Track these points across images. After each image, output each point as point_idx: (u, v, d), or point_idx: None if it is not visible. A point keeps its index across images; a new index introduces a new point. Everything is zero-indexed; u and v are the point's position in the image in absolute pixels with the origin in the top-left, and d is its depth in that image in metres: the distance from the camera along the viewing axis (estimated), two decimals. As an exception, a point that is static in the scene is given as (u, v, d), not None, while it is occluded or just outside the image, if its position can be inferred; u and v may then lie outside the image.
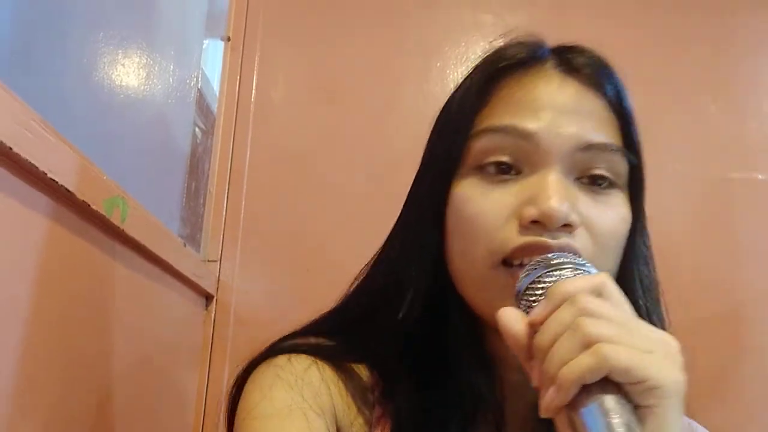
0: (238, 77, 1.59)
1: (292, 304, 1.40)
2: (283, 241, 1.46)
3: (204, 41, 1.44)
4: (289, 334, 0.68)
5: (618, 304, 0.45)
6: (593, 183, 0.59)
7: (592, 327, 0.42)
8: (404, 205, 0.70)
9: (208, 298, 1.38)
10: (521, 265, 0.54)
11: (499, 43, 0.67)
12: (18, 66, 0.70)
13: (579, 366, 0.41)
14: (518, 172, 0.58)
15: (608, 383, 0.41)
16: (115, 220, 0.77)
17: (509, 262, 0.56)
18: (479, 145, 0.60)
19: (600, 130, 0.60)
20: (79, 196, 0.68)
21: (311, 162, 1.53)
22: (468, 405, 0.59)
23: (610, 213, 0.59)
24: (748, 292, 1.55)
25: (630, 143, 0.63)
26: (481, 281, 0.58)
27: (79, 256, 0.73)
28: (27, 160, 0.58)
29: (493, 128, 0.59)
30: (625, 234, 0.60)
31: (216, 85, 1.54)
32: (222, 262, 1.45)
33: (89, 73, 0.86)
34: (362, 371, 0.64)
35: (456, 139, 0.61)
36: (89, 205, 0.70)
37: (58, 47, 0.79)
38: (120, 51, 0.95)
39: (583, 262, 0.52)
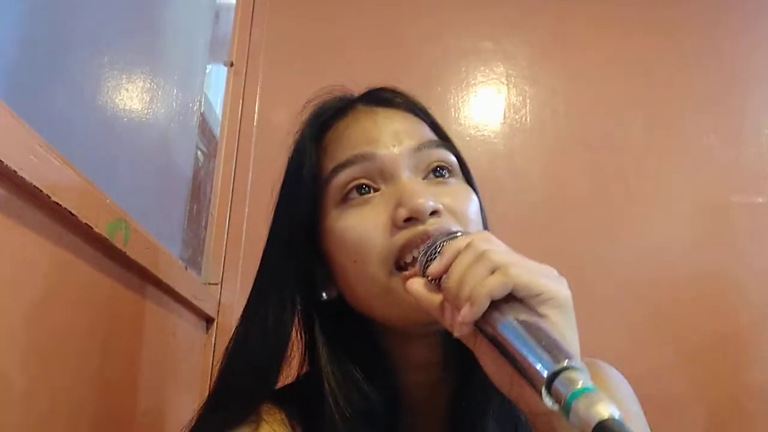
0: (241, 102, 1.61)
1: (293, 327, 1.39)
2: (284, 264, 1.46)
3: (207, 66, 1.46)
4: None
5: (509, 249, 0.54)
6: (437, 176, 0.68)
7: (498, 255, 0.51)
8: (264, 267, 0.74)
9: (208, 321, 1.38)
10: (413, 261, 0.61)
11: (316, 101, 0.77)
12: (23, 90, 0.71)
13: (490, 282, 0.49)
14: (377, 190, 0.66)
15: (510, 299, 0.50)
16: (118, 242, 0.78)
17: (401, 264, 0.63)
18: (334, 183, 0.67)
19: (420, 134, 0.70)
20: (82, 218, 0.68)
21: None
22: (385, 410, 0.65)
23: (461, 196, 0.67)
24: (750, 316, 1.55)
25: (446, 140, 0.73)
26: (384, 292, 0.63)
27: (81, 279, 0.73)
28: (31, 183, 0.58)
29: (340, 165, 0.67)
30: (477, 211, 0.69)
31: (218, 109, 1.55)
32: (223, 285, 1.45)
33: (93, 97, 0.87)
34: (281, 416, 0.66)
35: (309, 190, 0.69)
36: (92, 228, 0.71)
37: (63, 72, 0.80)
38: (124, 75, 0.96)
39: (461, 230, 0.61)
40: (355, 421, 0.63)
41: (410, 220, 0.62)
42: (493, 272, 0.50)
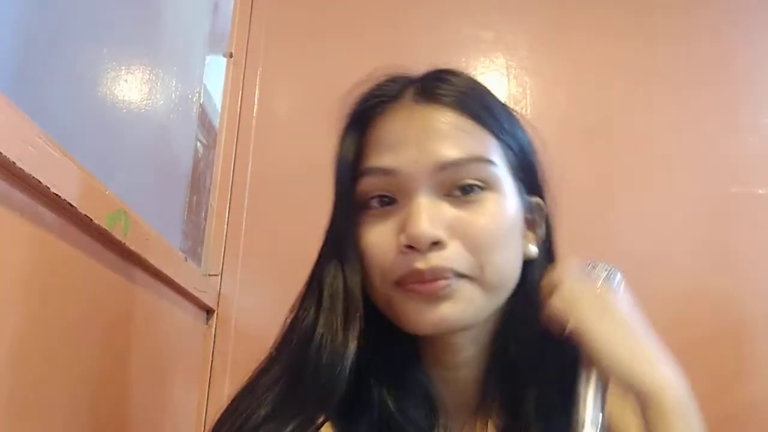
0: (240, 92, 1.60)
1: (293, 318, 1.39)
2: (285, 255, 1.46)
3: (206, 57, 1.46)
4: (227, 414, 0.65)
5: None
6: (464, 193, 0.63)
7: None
8: (321, 250, 0.72)
9: (209, 312, 1.38)
10: (412, 284, 0.61)
11: (369, 81, 0.71)
12: (22, 81, 0.71)
13: None
14: (396, 201, 0.64)
15: None
16: (117, 233, 0.78)
17: (402, 284, 0.63)
18: (360, 186, 0.66)
19: (455, 146, 0.63)
20: (82, 210, 0.68)
21: (313, 176, 1.53)
22: (422, 409, 0.65)
23: (480, 216, 0.63)
24: (751, 307, 1.55)
25: (506, 144, 0.68)
26: (388, 301, 0.64)
27: (80, 270, 0.73)
28: (30, 174, 0.58)
29: (364, 171, 0.66)
30: (504, 228, 0.65)
31: (218, 100, 1.55)
32: (223, 276, 1.45)
33: (93, 89, 0.87)
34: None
35: (343, 190, 0.68)
36: (91, 219, 0.71)
37: (62, 63, 0.79)
38: (123, 67, 0.96)
39: (457, 267, 0.62)
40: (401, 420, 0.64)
41: (410, 248, 0.61)
42: None
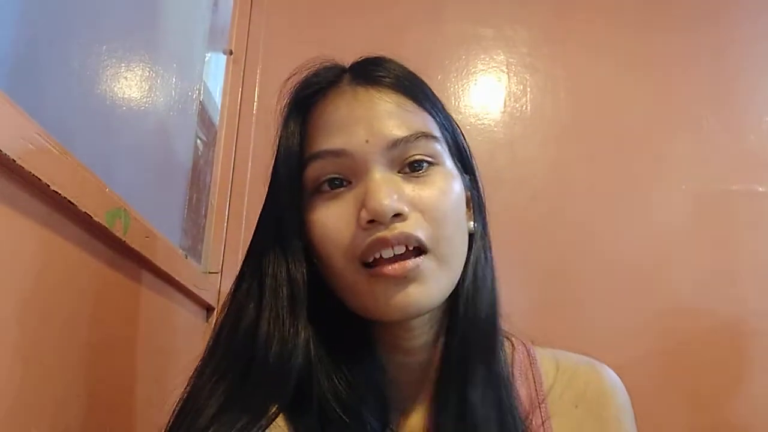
0: (240, 90, 1.60)
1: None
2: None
3: (206, 54, 1.45)
4: (175, 419, 0.65)
5: None
6: (414, 169, 0.65)
7: None
8: (255, 241, 0.72)
9: (209, 310, 1.38)
10: (379, 260, 0.61)
11: (304, 72, 0.73)
12: (21, 79, 0.70)
13: None
14: (349, 182, 0.65)
15: None
16: (117, 231, 0.78)
17: (366, 262, 0.62)
18: (309, 172, 0.66)
19: (401, 124, 0.65)
20: (82, 207, 0.68)
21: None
22: (377, 396, 0.65)
23: (434, 190, 0.64)
24: (750, 304, 1.55)
25: (442, 123, 0.70)
26: (352, 286, 0.64)
27: (80, 268, 0.73)
28: (30, 172, 0.58)
29: (312, 155, 0.66)
30: (455, 201, 0.66)
31: (218, 97, 1.55)
32: (223, 273, 1.45)
33: (92, 86, 0.87)
34: (281, 424, 0.63)
35: (288, 176, 0.68)
36: (91, 217, 0.71)
37: (61, 60, 0.79)
38: (123, 64, 0.96)
39: (419, 234, 0.62)
40: (347, 409, 0.63)
41: (373, 222, 0.61)
42: None
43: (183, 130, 1.29)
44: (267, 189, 0.73)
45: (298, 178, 0.67)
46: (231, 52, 1.60)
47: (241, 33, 1.63)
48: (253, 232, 0.73)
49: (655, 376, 1.45)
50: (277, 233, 0.68)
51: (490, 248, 0.72)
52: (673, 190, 1.63)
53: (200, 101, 1.38)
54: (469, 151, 0.74)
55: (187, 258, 1.24)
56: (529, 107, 1.68)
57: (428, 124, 0.68)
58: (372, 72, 0.70)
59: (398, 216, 0.61)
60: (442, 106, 0.72)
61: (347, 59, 0.75)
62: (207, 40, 1.45)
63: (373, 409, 0.64)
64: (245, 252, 0.74)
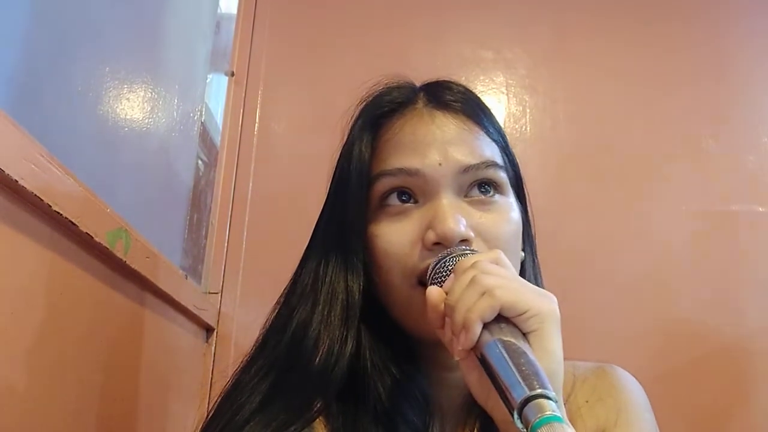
0: (242, 111, 1.61)
1: (293, 336, 1.39)
2: (285, 274, 1.45)
3: (208, 76, 1.46)
4: (215, 413, 0.66)
5: (508, 268, 0.57)
6: (481, 191, 0.67)
7: (487, 279, 0.53)
8: (314, 248, 0.74)
9: (208, 330, 1.37)
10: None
11: (375, 88, 0.75)
12: (25, 100, 0.71)
13: (479, 307, 0.52)
14: (416, 201, 0.67)
15: (501, 320, 0.52)
16: (118, 252, 0.78)
17: (424, 282, 0.63)
18: (377, 188, 0.68)
19: (473, 151, 0.68)
20: (83, 228, 0.69)
21: (313, 195, 1.53)
22: (418, 409, 0.66)
23: (498, 218, 0.67)
24: (753, 324, 1.55)
25: (504, 153, 0.72)
26: (406, 303, 0.65)
27: (81, 288, 0.73)
28: (32, 192, 0.59)
29: (384, 173, 0.67)
30: (515, 231, 0.69)
31: (219, 118, 1.56)
32: (223, 294, 1.45)
33: (94, 107, 0.87)
34: (320, 427, 0.64)
35: (357, 189, 0.69)
36: (92, 237, 0.71)
37: (65, 82, 0.80)
38: (125, 85, 0.96)
39: (472, 248, 0.63)
40: (391, 415, 0.64)
41: (438, 245, 0.62)
42: (483, 295, 0.52)
43: (184, 150, 1.29)
44: (328, 198, 0.75)
45: (365, 191, 0.68)
46: (233, 74, 1.61)
47: (242, 54, 1.65)
48: (310, 236, 0.75)
49: (655, 395, 1.43)
50: (339, 243, 0.70)
51: (540, 274, 0.75)
52: (674, 211, 1.63)
53: (202, 122, 1.39)
54: (523, 181, 0.77)
55: (187, 278, 1.24)
56: (528, 128, 1.69)
57: (496, 153, 0.70)
58: (446, 96, 0.72)
59: (464, 242, 0.63)
60: (504, 135, 0.74)
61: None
62: (209, 61, 1.46)
63: (414, 420, 0.65)
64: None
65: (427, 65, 1.74)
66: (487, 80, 1.73)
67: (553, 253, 1.58)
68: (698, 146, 1.68)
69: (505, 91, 1.72)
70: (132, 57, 1.00)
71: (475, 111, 0.71)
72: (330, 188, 0.75)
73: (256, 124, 1.61)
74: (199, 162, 1.39)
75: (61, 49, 0.79)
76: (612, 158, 1.68)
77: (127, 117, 0.97)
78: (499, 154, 0.71)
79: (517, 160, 0.76)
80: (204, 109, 1.41)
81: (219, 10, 1.56)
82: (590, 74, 1.75)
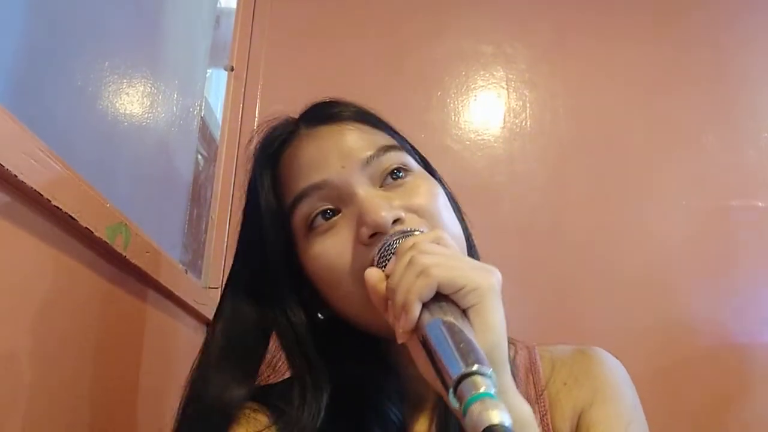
0: (241, 106, 1.61)
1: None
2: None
3: (208, 70, 1.46)
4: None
5: (449, 246, 0.57)
6: (395, 178, 0.68)
7: (424, 258, 0.53)
8: (237, 290, 0.75)
9: (208, 325, 1.37)
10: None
11: (258, 133, 0.76)
12: (24, 95, 0.71)
13: (417, 286, 0.52)
14: (339, 211, 0.67)
15: (441, 299, 0.52)
16: (118, 246, 0.78)
17: None
18: (297, 216, 0.68)
19: (367, 144, 0.69)
20: (83, 222, 0.69)
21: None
22: (394, 403, 0.67)
23: (422, 191, 0.68)
24: (750, 319, 1.55)
25: (399, 138, 0.74)
26: (363, 303, 0.64)
27: (81, 283, 0.73)
28: (32, 187, 0.59)
29: (297, 197, 0.68)
30: (440, 198, 0.69)
31: (219, 113, 1.56)
32: (223, 289, 1.45)
33: (94, 102, 0.87)
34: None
35: (275, 230, 0.70)
36: (92, 232, 0.71)
37: (64, 76, 0.80)
38: (125, 80, 0.96)
39: (422, 229, 0.63)
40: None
41: (375, 236, 0.63)
42: (420, 275, 0.52)
43: (184, 145, 1.29)
44: (240, 245, 0.76)
45: (288, 226, 0.69)
46: (232, 68, 1.61)
47: (242, 49, 1.64)
48: (227, 283, 0.77)
49: (654, 390, 1.44)
50: (272, 287, 0.71)
51: (476, 249, 0.75)
52: (673, 206, 1.63)
53: (201, 117, 1.39)
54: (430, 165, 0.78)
55: (187, 273, 1.24)
56: (528, 123, 1.69)
57: (389, 139, 0.72)
58: (323, 111, 0.74)
59: (397, 221, 0.63)
60: (400, 134, 0.76)
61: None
62: (208, 56, 1.46)
63: (394, 413, 0.66)
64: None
65: (426, 60, 1.74)
66: (487, 75, 1.72)
67: (552, 248, 1.60)
68: (698, 142, 1.68)
69: (505, 86, 1.72)
70: (131, 51, 1.00)
71: (355, 113, 0.73)
72: (241, 239, 0.77)
73: (256, 119, 1.61)
74: (199, 157, 1.39)
75: (60, 43, 0.79)
76: (612, 154, 1.68)
77: (127, 111, 0.97)
78: (394, 138, 0.72)
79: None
80: (203, 104, 1.40)
81: (218, 5, 1.56)
82: (590, 69, 1.75)
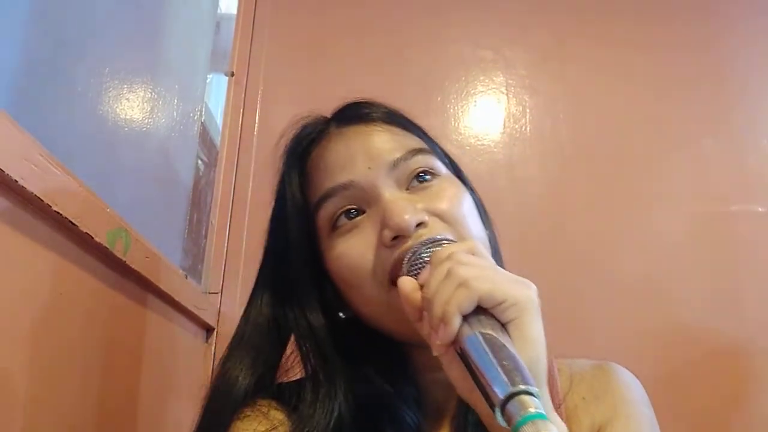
0: (241, 111, 1.61)
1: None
2: (285, 274, 1.46)
3: (208, 76, 1.46)
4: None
5: (484, 258, 0.56)
6: (420, 181, 0.68)
7: (463, 270, 0.52)
8: (263, 287, 0.76)
9: (208, 330, 1.37)
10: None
11: (289, 130, 0.78)
12: (25, 100, 0.71)
13: (456, 299, 0.51)
14: (364, 212, 0.67)
15: (479, 312, 0.51)
16: (118, 252, 0.78)
17: (395, 279, 0.62)
18: (322, 215, 0.69)
19: (396, 147, 0.69)
20: (83, 227, 0.69)
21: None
22: (411, 410, 0.66)
23: (447, 195, 0.68)
24: (751, 323, 1.55)
25: (429, 141, 0.74)
26: (384, 307, 0.65)
27: (81, 287, 0.73)
28: (32, 192, 0.59)
29: (322, 196, 0.69)
30: (467, 203, 0.69)
31: (219, 118, 1.56)
32: (223, 294, 1.45)
33: (94, 107, 0.87)
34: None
35: (300, 227, 0.71)
36: (92, 237, 0.71)
37: (64, 81, 0.80)
38: (125, 85, 0.97)
39: (452, 238, 0.63)
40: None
41: (397, 239, 0.63)
42: (459, 287, 0.51)
43: (184, 150, 1.29)
44: (267, 242, 0.76)
45: (310, 225, 0.70)
46: (232, 74, 1.61)
47: (242, 55, 1.65)
48: (256, 282, 0.77)
49: (655, 394, 1.43)
50: (291, 286, 0.71)
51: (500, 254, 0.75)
52: (674, 211, 1.63)
53: (202, 122, 1.39)
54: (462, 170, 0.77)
55: (187, 278, 1.24)
56: (528, 128, 1.69)
57: (419, 141, 0.72)
58: (354, 111, 0.75)
59: (420, 225, 0.63)
60: (429, 136, 0.76)
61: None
62: (209, 61, 1.46)
63: (410, 419, 0.65)
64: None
65: (426, 66, 1.74)
66: (486, 80, 1.73)
67: (553, 253, 1.60)
68: (698, 146, 1.68)
69: (505, 91, 1.72)
70: (132, 57, 1.00)
71: (385, 114, 0.73)
72: (269, 236, 0.77)
73: (256, 124, 1.61)
74: (199, 162, 1.39)
75: (61, 49, 0.79)
76: (612, 159, 1.68)
77: (127, 117, 0.97)
78: (424, 141, 0.72)
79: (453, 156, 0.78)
80: (204, 109, 1.41)
81: (219, 11, 1.57)
82: (590, 74, 1.75)
